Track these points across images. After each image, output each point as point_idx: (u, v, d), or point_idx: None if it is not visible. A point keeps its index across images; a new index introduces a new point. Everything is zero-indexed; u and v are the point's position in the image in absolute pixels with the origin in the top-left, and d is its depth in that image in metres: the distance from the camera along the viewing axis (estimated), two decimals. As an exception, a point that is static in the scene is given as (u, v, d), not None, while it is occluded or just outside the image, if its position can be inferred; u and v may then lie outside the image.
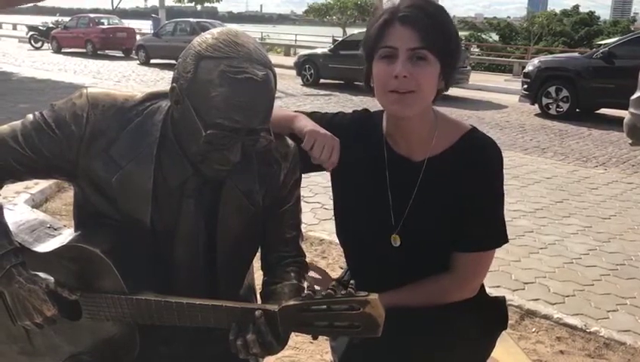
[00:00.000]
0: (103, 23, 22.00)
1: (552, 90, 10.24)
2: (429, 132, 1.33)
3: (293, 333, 1.09)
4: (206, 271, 1.24)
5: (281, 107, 1.44)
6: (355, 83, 13.15)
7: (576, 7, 36.63)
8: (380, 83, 1.26)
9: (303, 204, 1.39)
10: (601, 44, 12.54)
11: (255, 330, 1.05)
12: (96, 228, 1.19)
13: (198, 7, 41.49)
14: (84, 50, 21.04)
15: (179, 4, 39.41)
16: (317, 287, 1.45)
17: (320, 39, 29.49)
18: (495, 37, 32.85)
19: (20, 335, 1.26)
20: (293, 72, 14.82)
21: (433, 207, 1.32)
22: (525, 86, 10.63)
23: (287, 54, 24.96)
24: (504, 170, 1.33)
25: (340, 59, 13.24)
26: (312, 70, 14.06)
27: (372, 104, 1.37)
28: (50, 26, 24.76)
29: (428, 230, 1.33)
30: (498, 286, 3.33)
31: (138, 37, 21.94)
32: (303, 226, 1.40)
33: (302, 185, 1.36)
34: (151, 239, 1.18)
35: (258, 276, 1.39)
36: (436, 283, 1.34)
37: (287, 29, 52.60)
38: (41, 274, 1.15)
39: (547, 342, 2.76)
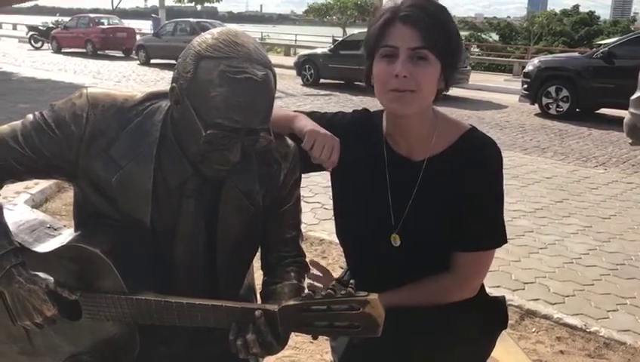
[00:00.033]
0: (103, 23, 22.00)
1: (552, 89, 10.24)
2: (429, 131, 1.33)
3: (293, 333, 1.09)
4: (206, 271, 1.24)
5: (281, 107, 1.44)
6: (355, 83, 13.15)
7: (576, 7, 36.65)
8: (381, 82, 1.26)
9: (303, 203, 1.39)
10: (601, 44, 12.55)
11: (255, 330, 1.05)
12: (96, 228, 1.19)
13: (198, 7, 41.50)
14: (84, 50, 21.04)
15: (179, 4, 39.42)
16: (318, 284, 1.45)
17: (320, 39, 29.49)
18: (495, 37, 32.87)
19: (19, 335, 1.26)
20: (293, 72, 14.81)
21: (433, 206, 1.32)
22: (525, 86, 10.63)
23: (287, 54, 24.96)
24: (504, 170, 1.33)
25: (340, 59, 13.25)
26: (312, 70, 14.06)
27: (372, 104, 1.37)
28: (50, 26, 24.76)
29: (428, 230, 1.33)
30: (498, 286, 3.33)
31: (138, 37, 21.94)
32: (303, 226, 1.40)
33: (302, 185, 1.36)
34: (151, 239, 1.18)
35: (258, 276, 1.39)
36: (436, 283, 1.34)
37: (287, 29, 52.61)
38: (41, 274, 1.15)
39: (547, 342, 2.76)
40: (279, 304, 1.05)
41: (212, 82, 1.05)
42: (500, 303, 1.49)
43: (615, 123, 9.02)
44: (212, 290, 1.22)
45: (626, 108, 5.90)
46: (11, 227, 1.19)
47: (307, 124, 1.33)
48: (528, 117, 10.41)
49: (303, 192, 1.38)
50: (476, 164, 1.30)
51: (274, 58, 15.43)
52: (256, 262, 1.37)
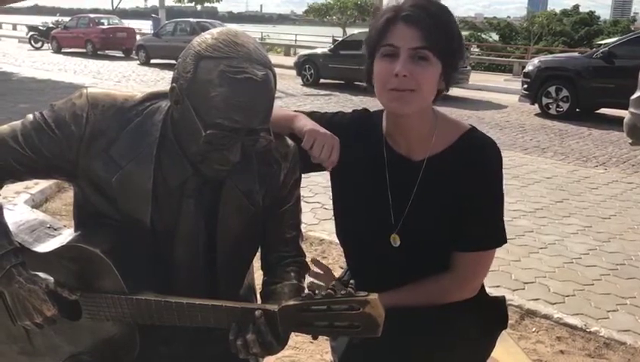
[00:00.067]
0: (103, 23, 21.98)
1: (552, 89, 10.24)
2: (429, 131, 1.33)
3: (293, 333, 1.09)
4: (206, 271, 1.24)
5: (281, 107, 1.44)
6: (355, 83, 13.15)
7: (576, 6, 36.68)
8: (381, 81, 1.26)
9: (303, 203, 1.39)
10: (601, 44, 12.55)
11: (255, 330, 1.05)
12: (96, 228, 1.19)
13: (198, 7, 41.51)
14: (84, 50, 21.03)
15: (179, 4, 39.43)
16: (319, 282, 1.45)
17: (320, 39, 29.48)
18: (495, 37, 32.88)
19: (19, 335, 1.26)
20: (293, 72, 14.81)
21: (433, 206, 1.32)
22: (525, 86, 10.63)
23: (287, 54, 24.96)
24: (504, 170, 1.33)
25: (340, 59, 13.25)
26: (312, 70, 14.05)
27: (372, 104, 1.37)
28: (50, 26, 24.75)
29: (427, 229, 1.33)
30: (498, 286, 3.33)
31: (138, 37, 21.93)
32: (303, 226, 1.40)
33: (302, 185, 1.36)
34: (151, 239, 1.18)
35: (258, 276, 1.39)
36: (436, 283, 1.34)
37: (287, 29, 52.60)
38: (41, 274, 1.15)
39: (547, 342, 2.76)
40: (279, 304, 1.05)
41: (212, 82, 1.05)
42: (500, 303, 1.49)
43: (615, 123, 9.02)
44: (212, 290, 1.22)
45: (626, 108, 5.90)
46: (11, 227, 1.19)
47: (307, 124, 1.33)
48: (528, 117, 10.41)
49: (303, 192, 1.38)
50: (476, 163, 1.30)
51: (274, 58, 15.42)
52: (256, 262, 1.37)
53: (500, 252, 1.41)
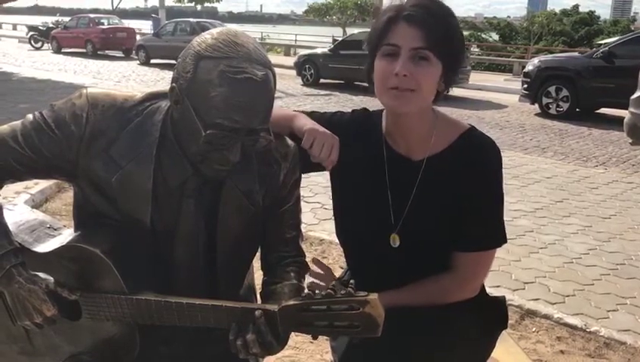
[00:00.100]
0: (103, 23, 21.98)
1: (552, 89, 10.24)
2: (428, 131, 1.33)
3: (293, 333, 1.09)
4: (206, 271, 1.24)
5: (281, 107, 1.44)
6: (355, 83, 13.15)
7: (576, 6, 36.67)
8: (381, 79, 1.26)
9: (303, 203, 1.39)
10: (601, 44, 12.55)
11: (255, 330, 1.05)
12: (96, 228, 1.19)
13: (198, 7, 41.52)
14: (84, 51, 21.03)
15: (179, 4, 39.45)
16: (319, 282, 1.45)
17: (320, 39, 29.48)
18: (495, 37, 32.90)
19: (19, 335, 1.26)
20: (293, 72, 14.81)
21: (432, 206, 1.32)
22: (525, 86, 10.62)
23: (287, 54, 24.95)
24: (504, 170, 1.33)
25: (340, 59, 13.25)
26: (312, 70, 14.05)
27: (372, 104, 1.38)
28: (50, 26, 24.75)
29: (427, 229, 1.33)
30: (498, 286, 3.33)
31: (138, 37, 21.93)
32: (303, 226, 1.40)
33: (302, 185, 1.36)
34: (151, 239, 1.18)
35: (258, 276, 1.39)
36: (436, 283, 1.34)
37: (287, 29, 52.60)
38: (41, 274, 1.15)
39: (547, 342, 2.76)
40: (279, 304, 1.05)
41: (212, 82, 1.05)
42: (500, 303, 1.49)
43: (615, 123, 9.02)
44: (212, 290, 1.22)
45: (626, 108, 5.90)
46: (11, 227, 1.19)
47: (306, 123, 1.33)
48: (528, 117, 10.41)
49: (303, 192, 1.38)
50: (475, 163, 1.30)
51: (274, 58, 15.46)
52: (256, 262, 1.37)
53: (500, 252, 1.41)
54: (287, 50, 26.27)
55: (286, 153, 1.28)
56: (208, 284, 1.24)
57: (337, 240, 1.54)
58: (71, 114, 1.16)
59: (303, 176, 1.35)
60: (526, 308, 3.03)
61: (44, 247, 1.20)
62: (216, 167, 1.13)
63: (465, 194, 1.29)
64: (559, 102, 10.20)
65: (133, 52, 19.79)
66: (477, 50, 26.78)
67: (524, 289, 3.37)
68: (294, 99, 11.19)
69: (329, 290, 1.00)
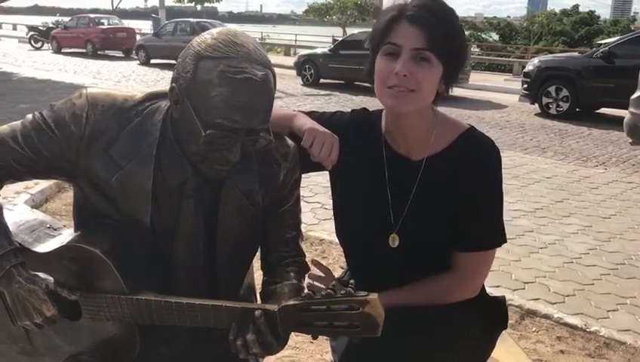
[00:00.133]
0: (103, 23, 21.99)
1: (552, 89, 10.24)
2: (428, 131, 1.33)
3: (293, 333, 1.09)
4: (206, 271, 1.24)
5: (281, 107, 1.44)
6: (355, 83, 13.15)
7: (576, 6, 36.66)
8: (381, 78, 1.26)
9: (303, 203, 1.39)
10: (601, 44, 12.55)
11: (255, 330, 1.05)
12: (96, 228, 1.19)
13: (198, 7, 41.52)
14: (84, 51, 21.03)
15: (179, 4, 39.44)
16: (319, 284, 1.45)
17: (320, 39, 29.48)
18: (495, 36, 32.89)
19: (19, 335, 1.26)
20: (293, 72, 14.81)
21: (432, 206, 1.32)
22: (525, 85, 10.62)
23: (287, 54, 24.95)
24: (504, 170, 1.33)
25: (340, 59, 13.24)
26: (312, 70, 14.05)
27: (372, 104, 1.37)
28: (50, 26, 24.75)
29: (427, 229, 1.33)
30: (498, 286, 3.33)
31: (138, 37, 21.93)
32: (303, 226, 1.40)
33: (302, 185, 1.36)
34: (151, 239, 1.18)
35: (258, 276, 1.39)
36: (437, 283, 1.34)
37: (287, 29, 52.59)
38: (41, 274, 1.15)
39: (547, 342, 2.76)
40: (279, 304, 1.05)
41: (212, 82, 1.05)
42: (500, 303, 1.49)
43: (615, 122, 9.02)
44: (212, 290, 1.22)
45: (626, 108, 5.90)
46: (11, 227, 1.19)
47: (306, 123, 1.33)
48: (528, 117, 10.41)
49: (303, 192, 1.38)
50: (475, 163, 1.30)
51: (274, 58, 15.47)
52: (256, 262, 1.37)
53: (500, 252, 1.41)
54: (287, 50, 26.27)
55: (286, 153, 1.28)
56: (208, 284, 1.24)
57: (337, 240, 1.54)
58: (71, 114, 1.16)
59: (303, 176, 1.35)
60: (526, 307, 3.03)
61: (44, 247, 1.20)
62: (216, 167, 1.13)
63: (464, 194, 1.29)
64: (559, 102, 10.20)
65: (133, 52, 19.79)
66: (477, 50, 26.77)
67: (524, 289, 3.37)
68: (294, 99, 11.19)
69: (329, 290, 1.00)
